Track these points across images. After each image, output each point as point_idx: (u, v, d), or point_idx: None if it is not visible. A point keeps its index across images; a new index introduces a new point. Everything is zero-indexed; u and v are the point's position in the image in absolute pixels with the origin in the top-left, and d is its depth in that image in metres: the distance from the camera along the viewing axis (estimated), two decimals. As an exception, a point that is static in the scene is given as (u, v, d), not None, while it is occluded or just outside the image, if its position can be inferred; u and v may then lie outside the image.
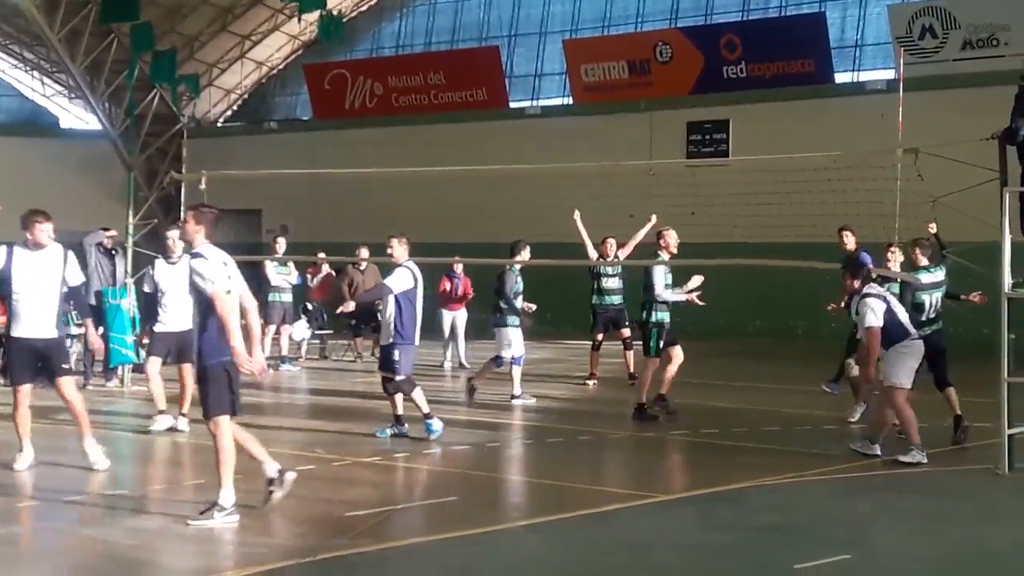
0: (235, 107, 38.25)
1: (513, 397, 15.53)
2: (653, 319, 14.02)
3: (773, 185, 16.50)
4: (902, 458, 11.15)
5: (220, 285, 8.74)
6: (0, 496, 9.55)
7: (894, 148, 12.61)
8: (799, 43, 27.50)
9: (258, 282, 21.40)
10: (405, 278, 12.59)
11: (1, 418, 12.06)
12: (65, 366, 10.69)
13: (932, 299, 12.62)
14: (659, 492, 10.24)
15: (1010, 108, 10.89)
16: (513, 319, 15.69)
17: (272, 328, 19.82)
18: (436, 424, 12.52)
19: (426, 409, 12.53)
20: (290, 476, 9.05)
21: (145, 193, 36.11)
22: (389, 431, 12.62)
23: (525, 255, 15.98)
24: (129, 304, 16.52)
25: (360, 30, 36.09)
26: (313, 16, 34.02)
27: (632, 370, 17.22)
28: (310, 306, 21.63)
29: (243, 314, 9.04)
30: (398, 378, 12.56)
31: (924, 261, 12.92)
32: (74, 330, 17.49)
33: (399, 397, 12.72)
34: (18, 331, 10.42)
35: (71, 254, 10.81)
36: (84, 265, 17.07)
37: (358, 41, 36.15)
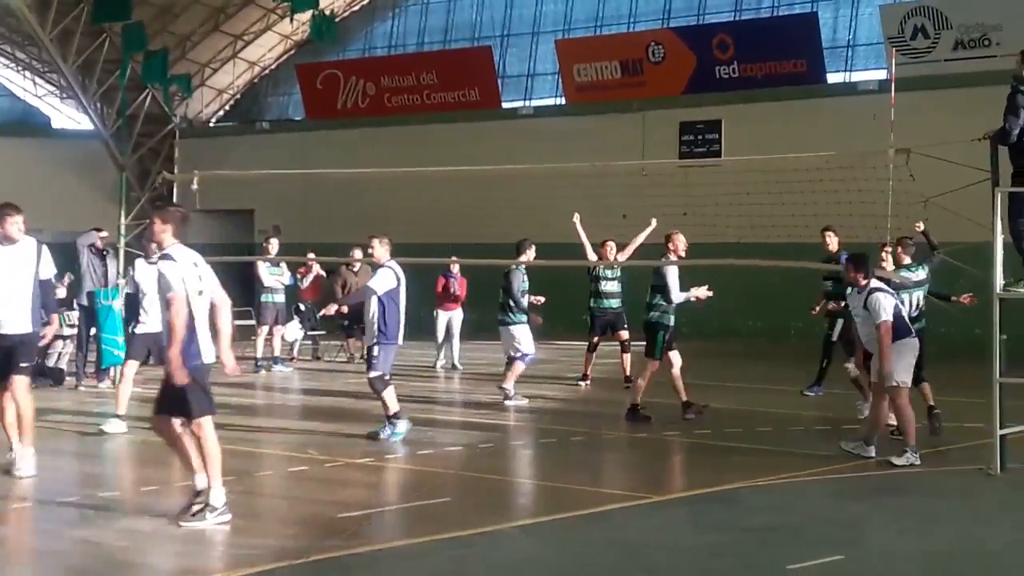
0: (227, 107, 38.20)
1: (501, 389, 15.49)
2: (661, 321, 14.06)
3: (765, 185, 16.53)
4: (895, 460, 11.15)
5: (181, 289, 8.63)
6: (-8, 498, 9.54)
7: (886, 148, 12.63)
8: (791, 43, 27.52)
9: (251, 283, 21.43)
10: (388, 278, 12.57)
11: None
12: (24, 364, 10.34)
13: (913, 297, 12.82)
14: (653, 493, 10.24)
15: (1002, 108, 10.90)
16: (521, 317, 15.64)
17: (265, 329, 19.80)
18: (401, 426, 12.42)
19: (395, 409, 12.45)
20: (225, 517, 8.66)
21: (137, 193, 36.09)
22: (388, 430, 12.59)
23: (530, 254, 15.91)
24: (121, 305, 16.50)
25: (352, 30, 36.06)
26: (305, 16, 33.99)
27: (628, 373, 17.20)
28: (303, 307, 21.61)
29: (215, 313, 8.97)
30: (372, 374, 12.52)
31: (907, 260, 13.09)
32: (66, 331, 17.51)
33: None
34: None
35: (45, 248, 10.69)
36: (77, 265, 17.11)
37: (350, 41, 36.13)
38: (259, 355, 19.61)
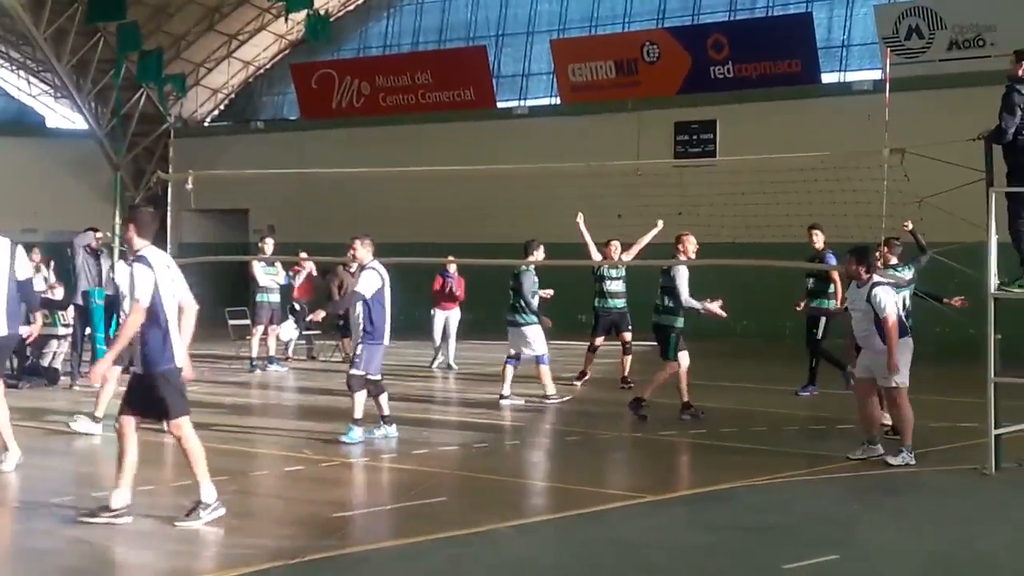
0: (222, 107, 38.17)
1: (546, 397, 15.48)
2: (672, 324, 14.11)
3: (760, 185, 16.51)
4: (891, 460, 11.15)
5: (147, 298, 8.55)
6: (-13, 498, 9.54)
7: (881, 148, 12.63)
8: (786, 43, 27.52)
9: (246, 282, 21.40)
10: (373, 280, 12.49)
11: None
12: None
13: (900, 297, 12.75)
14: (649, 492, 10.24)
15: (996, 108, 10.92)
16: (533, 318, 15.61)
17: (260, 328, 19.78)
18: (356, 433, 12.26)
19: (359, 415, 12.33)
20: (124, 520, 8.55)
21: (132, 193, 36.06)
22: (377, 432, 12.59)
23: (539, 255, 15.84)
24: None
25: (347, 30, 36.04)
26: (300, 15, 33.97)
27: (626, 374, 17.19)
28: (297, 306, 21.60)
29: (181, 315, 8.94)
30: (353, 371, 12.46)
31: (893, 260, 13.10)
32: (61, 331, 17.50)
33: (383, 397, 12.67)
34: None
35: (20, 248, 10.63)
36: (72, 265, 17.10)
37: (345, 41, 36.11)
38: (254, 355, 19.60)
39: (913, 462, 11.14)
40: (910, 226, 13.57)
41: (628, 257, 17.01)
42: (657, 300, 14.35)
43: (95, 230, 17.51)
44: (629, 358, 17.31)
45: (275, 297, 19.98)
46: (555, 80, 31.24)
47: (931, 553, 8.31)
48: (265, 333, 19.89)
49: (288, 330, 21.04)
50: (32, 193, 34.12)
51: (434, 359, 20.43)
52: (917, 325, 12.98)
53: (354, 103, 33.85)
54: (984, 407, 10.79)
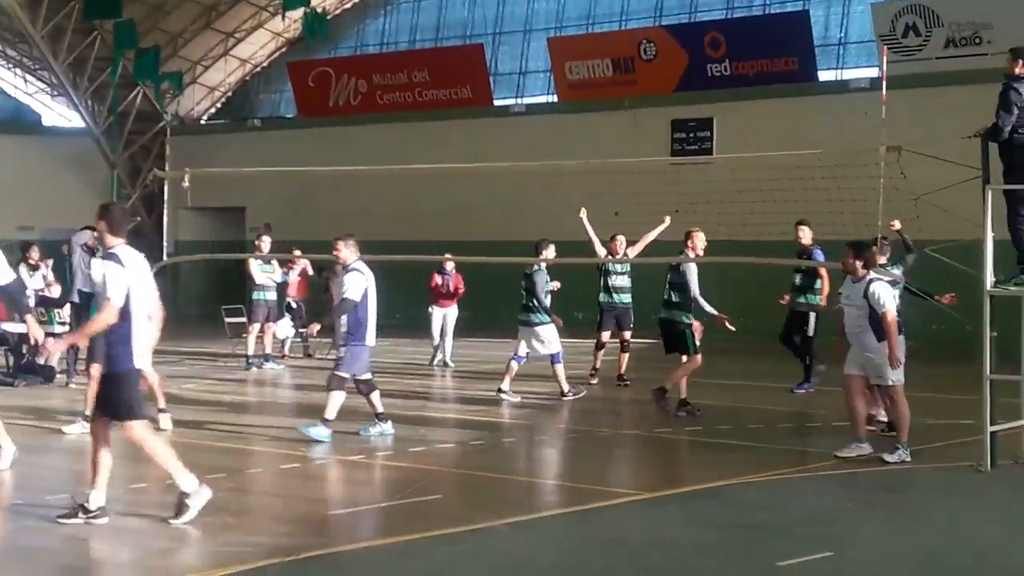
0: (219, 105, 38.14)
1: (563, 395, 15.46)
2: (681, 319, 14.16)
3: (757, 183, 16.55)
4: (887, 457, 11.15)
5: (119, 297, 8.47)
6: (-18, 495, 9.53)
7: (877, 146, 12.63)
8: (783, 41, 27.51)
9: (242, 280, 21.39)
10: (359, 283, 12.42)
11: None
12: None
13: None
14: (644, 490, 10.25)
15: (994, 106, 10.92)
16: (545, 317, 15.60)
17: (256, 326, 19.76)
18: (323, 431, 12.17)
19: (331, 416, 12.25)
20: (101, 521, 8.51)
21: (128, 191, 36.03)
22: (373, 430, 12.58)
23: (547, 253, 15.78)
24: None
25: (344, 27, 36.02)
26: (297, 13, 33.95)
27: (623, 371, 17.19)
28: (294, 304, 21.57)
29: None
30: (337, 372, 12.39)
31: (882, 259, 13.05)
32: (57, 329, 17.47)
33: (375, 395, 12.64)
34: None
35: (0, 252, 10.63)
36: (69, 264, 17.08)
37: (342, 39, 36.08)
38: (251, 352, 19.60)
39: (909, 459, 11.15)
40: (897, 225, 13.58)
41: (633, 253, 16.97)
42: (665, 295, 14.38)
43: (92, 228, 17.46)
44: (627, 356, 17.30)
45: (272, 295, 19.96)
46: (552, 78, 31.22)
47: (926, 550, 8.32)
48: (262, 331, 19.88)
49: (284, 328, 21.02)
50: (29, 191, 34.10)
51: (433, 356, 20.42)
52: (913, 323, 12.98)
53: (351, 101, 33.82)
54: (980, 404, 10.79)
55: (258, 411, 15.84)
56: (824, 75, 27.84)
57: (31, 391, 16.24)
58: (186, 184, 17.02)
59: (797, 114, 26.02)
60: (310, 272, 21.48)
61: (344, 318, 12.43)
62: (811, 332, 16.06)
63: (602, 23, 31.53)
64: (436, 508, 9.43)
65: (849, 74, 27.91)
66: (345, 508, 9.51)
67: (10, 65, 37.19)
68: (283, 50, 36.91)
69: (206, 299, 32.45)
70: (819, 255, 15.86)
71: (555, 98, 31.38)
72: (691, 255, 14.30)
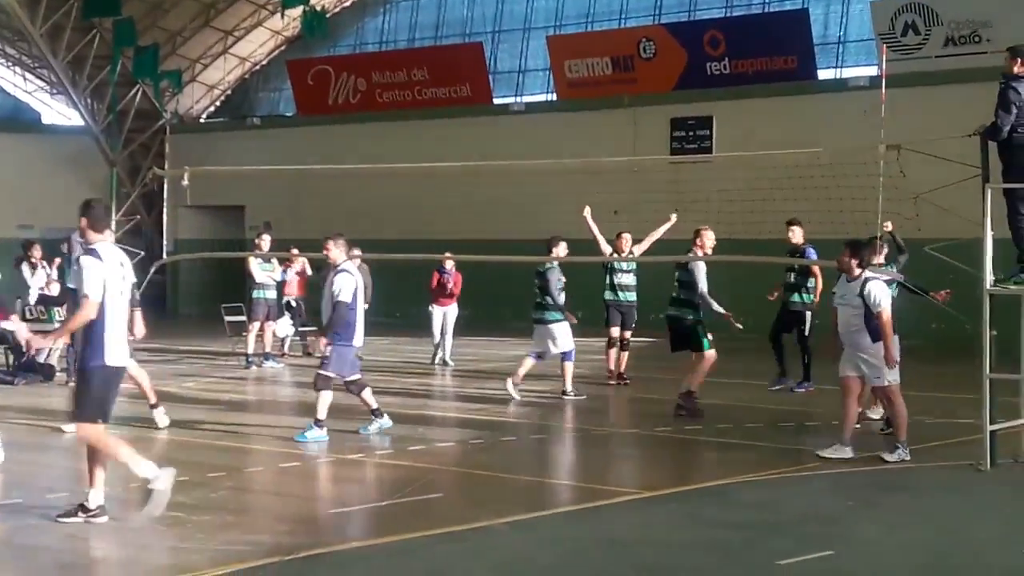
0: (218, 103, 38.14)
1: (564, 393, 15.48)
2: (688, 316, 14.21)
3: (756, 181, 16.55)
4: (887, 457, 11.14)
5: (96, 293, 8.43)
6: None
7: (876, 145, 12.63)
8: (782, 39, 27.52)
9: (242, 279, 21.37)
10: (350, 283, 12.37)
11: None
12: None
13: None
14: (643, 488, 10.25)
15: (993, 105, 10.91)
16: (559, 315, 15.60)
17: (256, 325, 19.76)
18: (318, 432, 12.15)
19: (323, 416, 12.21)
20: (100, 520, 8.50)
21: (128, 189, 36.04)
22: (371, 427, 12.58)
23: (561, 251, 15.72)
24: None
25: (343, 26, 36.01)
26: (296, 12, 33.95)
27: (622, 370, 17.16)
28: (293, 303, 21.57)
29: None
30: (322, 372, 12.34)
31: (879, 259, 13.04)
32: (57, 327, 17.47)
33: (366, 393, 12.61)
34: None
35: None
36: (69, 262, 17.07)
37: (341, 37, 36.08)
38: (250, 351, 19.60)
39: (908, 458, 11.15)
40: (889, 227, 13.59)
41: (639, 250, 16.94)
42: (673, 293, 14.38)
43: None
44: (626, 355, 17.29)
45: (272, 293, 19.96)
46: (551, 76, 31.23)
47: (926, 549, 8.32)
48: (261, 329, 19.87)
49: (284, 326, 21.02)
50: (28, 189, 34.10)
51: (434, 355, 20.41)
52: (912, 322, 12.99)
53: (350, 99, 33.82)
54: (979, 403, 10.79)
55: (258, 410, 15.84)
56: (823, 74, 27.85)
57: (31, 389, 16.24)
58: (185, 182, 17.00)
59: (796, 113, 26.03)
60: (309, 271, 21.45)
61: (333, 318, 12.33)
62: (807, 331, 16.05)
63: (601, 21, 31.54)
64: (436, 507, 9.43)
65: (848, 72, 27.92)
66: (345, 507, 9.51)
67: (9, 63, 37.18)
68: (282, 48, 36.91)
69: (205, 297, 32.45)
70: (812, 254, 15.88)
71: (554, 96, 31.39)
72: (699, 253, 14.30)
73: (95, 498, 8.54)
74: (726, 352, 18.19)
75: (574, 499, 10.02)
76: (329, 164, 26.95)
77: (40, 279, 18.09)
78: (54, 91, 36.96)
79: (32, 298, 18.03)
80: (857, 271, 11.33)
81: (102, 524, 8.46)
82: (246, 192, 33.00)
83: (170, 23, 35.33)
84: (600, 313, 17.06)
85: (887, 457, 11.13)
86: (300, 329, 22.10)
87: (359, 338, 12.61)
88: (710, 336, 14.32)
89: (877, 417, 13.14)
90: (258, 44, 36.81)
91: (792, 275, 16.13)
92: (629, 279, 17.10)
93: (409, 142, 29.89)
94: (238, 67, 37.29)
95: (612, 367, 17.15)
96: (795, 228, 16.05)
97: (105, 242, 8.82)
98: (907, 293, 13.28)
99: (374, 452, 11.78)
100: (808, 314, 16.08)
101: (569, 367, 15.53)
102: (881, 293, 11.21)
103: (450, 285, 20.27)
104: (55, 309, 17.66)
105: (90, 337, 8.51)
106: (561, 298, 15.49)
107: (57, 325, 17.48)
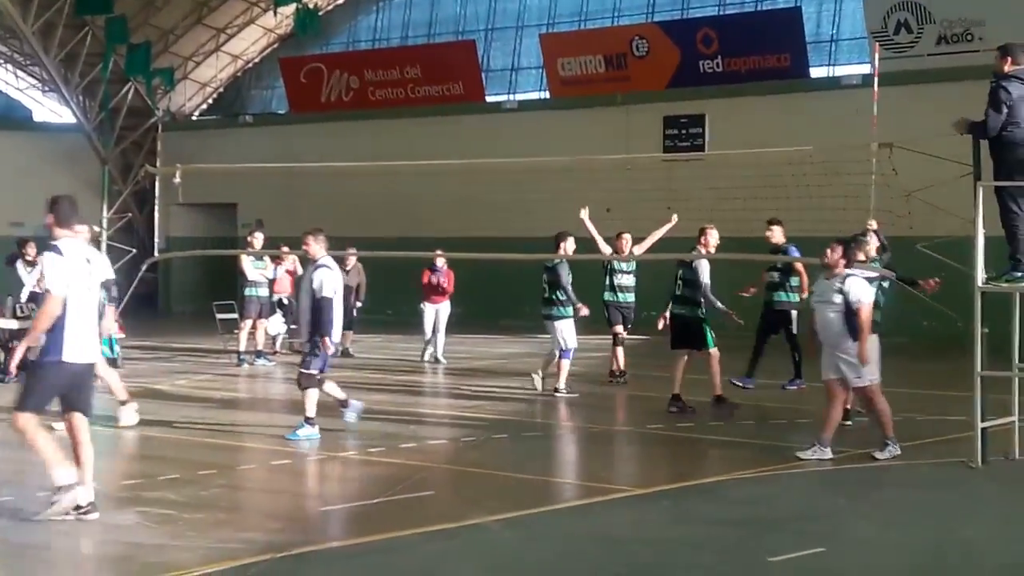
0: (210, 100, 38.08)
1: (556, 391, 15.46)
2: (692, 313, 14.25)
3: (749, 179, 16.52)
4: (877, 455, 11.13)
5: (59, 289, 8.41)
6: (-27, 492, 9.50)
7: (869, 143, 12.63)
8: (775, 38, 27.53)
9: (234, 276, 21.35)
10: (331, 278, 12.35)
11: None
12: None
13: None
14: (634, 486, 10.25)
15: (985, 103, 10.90)
16: (567, 311, 15.56)
17: (248, 323, 19.75)
18: (309, 430, 12.10)
19: (312, 414, 12.20)
20: (91, 516, 8.49)
21: (120, 187, 35.96)
22: (350, 417, 12.47)
23: (570, 246, 15.67)
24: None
25: (336, 23, 35.99)
26: (289, 9, 33.91)
27: (614, 368, 17.15)
28: (285, 300, 21.54)
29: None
30: (305, 370, 12.30)
31: (860, 256, 13.02)
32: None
33: (328, 386, 12.52)
34: None
35: None
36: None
37: (334, 34, 36.06)
38: (242, 348, 19.58)
39: (899, 452, 11.14)
40: (874, 225, 13.58)
41: (639, 251, 16.91)
42: (677, 291, 14.37)
43: (82, 223, 17.40)
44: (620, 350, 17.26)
45: (264, 291, 19.95)
46: (544, 74, 31.24)
47: (917, 546, 8.33)
48: (253, 327, 19.86)
49: (276, 324, 21.00)
50: (20, 187, 33.99)
51: (424, 351, 20.40)
52: (904, 319, 12.98)
53: (343, 97, 33.79)
54: (971, 400, 10.81)
55: (249, 407, 15.82)
56: (816, 72, 27.87)
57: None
58: (177, 180, 16.98)
59: (789, 110, 26.04)
60: (299, 270, 21.42)
61: (310, 314, 12.27)
62: (795, 329, 16.05)
63: (594, 19, 31.56)
64: (428, 504, 9.43)
65: (841, 71, 27.95)
66: (336, 504, 9.50)
67: (1, 61, 37.10)
68: (275, 46, 36.87)
69: (198, 295, 32.43)
70: (794, 252, 15.88)
71: (547, 94, 31.40)
72: (702, 251, 14.32)
73: (85, 495, 8.52)
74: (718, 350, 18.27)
75: (566, 496, 10.03)
76: (321, 162, 26.94)
77: (36, 276, 18.05)
78: (46, 88, 36.89)
79: (24, 296, 17.99)
80: (841, 267, 11.29)
81: (93, 521, 8.45)
82: (238, 190, 32.96)
83: (162, 20, 35.27)
84: (597, 313, 17.03)
85: (878, 455, 11.14)
86: (292, 327, 22.07)
87: (338, 334, 12.59)
88: (712, 334, 14.36)
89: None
90: (250, 42, 36.76)
91: (776, 274, 16.12)
92: (629, 280, 17.07)
93: (402, 140, 29.88)
94: (230, 65, 37.24)
95: (620, 366, 17.07)
96: (775, 228, 16.00)
97: (70, 238, 8.76)
98: (898, 289, 13.28)
99: (366, 450, 11.76)
100: (794, 312, 16.08)
101: (565, 364, 15.53)
102: (861, 289, 11.18)
103: (442, 282, 20.25)
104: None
105: (50, 332, 8.47)
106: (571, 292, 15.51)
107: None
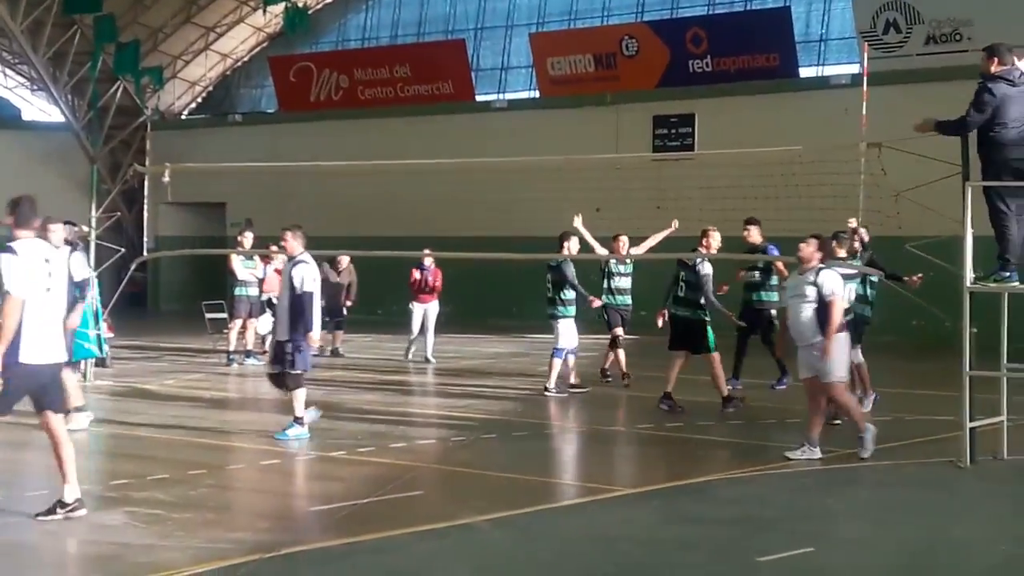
0: (199, 99, 38.04)
1: (546, 390, 15.49)
2: (702, 317, 14.25)
3: (738, 179, 16.52)
4: (863, 454, 11.12)
5: (18, 289, 8.32)
6: (-39, 492, 9.47)
7: (858, 142, 12.64)
8: (764, 37, 27.59)
9: (224, 276, 21.33)
10: (312, 273, 12.32)
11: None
12: None
13: (845, 290, 12.65)
14: (625, 485, 10.26)
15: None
16: (570, 311, 15.55)
17: (238, 322, 19.72)
18: (298, 430, 12.10)
19: (301, 413, 12.20)
20: (79, 513, 8.53)
21: (108, 186, 35.82)
22: (292, 431, 12.35)
23: (574, 246, 15.64)
24: (92, 298, 16.36)
25: (325, 22, 35.96)
26: (278, 8, 33.89)
27: (606, 367, 17.16)
28: (274, 300, 21.51)
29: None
30: (292, 371, 12.22)
31: (841, 253, 13.05)
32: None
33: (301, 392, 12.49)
34: None
35: None
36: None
37: (323, 33, 36.04)
38: (232, 348, 19.55)
39: (875, 430, 11.07)
40: (854, 223, 13.60)
41: (636, 253, 16.87)
42: (679, 292, 14.37)
43: (71, 223, 17.35)
44: (613, 354, 17.25)
45: (253, 291, 19.91)
46: (534, 73, 31.25)
47: (906, 546, 8.34)
48: (243, 327, 19.84)
49: (266, 324, 20.97)
50: (8, 186, 33.51)
51: (408, 350, 20.36)
52: (892, 319, 12.99)
53: (332, 96, 33.77)
54: (959, 400, 10.83)
55: (239, 407, 15.80)
56: (805, 71, 27.94)
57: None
58: (166, 179, 16.93)
59: (778, 110, 26.08)
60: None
61: (291, 312, 12.23)
62: (779, 327, 16.05)
63: (584, 19, 31.60)
64: (417, 504, 9.42)
65: (830, 70, 28.02)
66: (326, 504, 9.49)
67: (-11, 60, 37.04)
68: (264, 45, 36.84)
69: (187, 295, 32.36)
70: (774, 251, 15.90)
71: (537, 94, 31.41)
72: (704, 253, 14.34)
73: (71, 492, 8.51)
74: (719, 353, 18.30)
75: (557, 496, 10.03)
76: (311, 161, 26.90)
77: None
78: (34, 87, 36.81)
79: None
80: (815, 262, 11.28)
81: (82, 521, 8.43)
82: (227, 189, 32.89)
83: (151, 19, 35.21)
84: (596, 314, 17.05)
85: (863, 455, 11.12)
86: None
87: (317, 331, 12.56)
88: (714, 336, 14.36)
89: (865, 409, 13.14)
90: (240, 40, 36.72)
91: (757, 273, 16.13)
92: (625, 282, 17.04)
93: (391, 139, 29.87)
94: (219, 63, 37.20)
95: (623, 368, 16.91)
96: (752, 227, 16.03)
97: (28, 239, 8.69)
98: (885, 287, 13.29)
99: (355, 450, 11.75)
100: (774, 312, 16.08)
101: (557, 364, 15.54)
102: (835, 282, 11.17)
103: (431, 280, 20.22)
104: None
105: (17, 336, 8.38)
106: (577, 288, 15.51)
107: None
